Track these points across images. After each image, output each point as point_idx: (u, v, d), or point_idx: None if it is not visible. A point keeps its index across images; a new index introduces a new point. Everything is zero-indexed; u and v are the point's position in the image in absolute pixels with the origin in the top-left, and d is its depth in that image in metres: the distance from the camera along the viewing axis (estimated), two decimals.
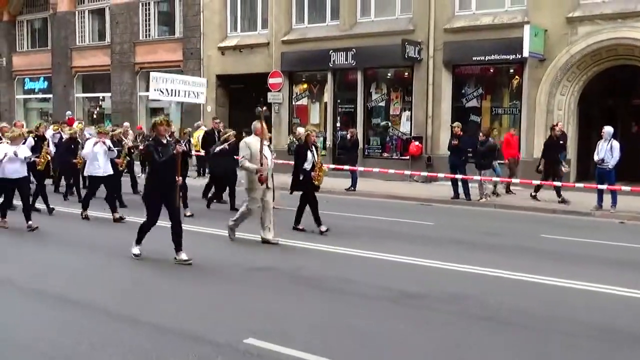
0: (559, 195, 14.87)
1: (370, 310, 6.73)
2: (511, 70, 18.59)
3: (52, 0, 28.59)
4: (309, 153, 10.83)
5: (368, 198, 16.17)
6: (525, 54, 16.59)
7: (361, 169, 17.74)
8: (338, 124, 21.52)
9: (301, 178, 10.72)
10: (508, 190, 16.52)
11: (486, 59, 18.29)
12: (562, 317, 6.48)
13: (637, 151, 16.43)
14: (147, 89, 26.56)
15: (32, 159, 11.67)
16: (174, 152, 8.35)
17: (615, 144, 13.95)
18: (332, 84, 21.48)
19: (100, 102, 28.70)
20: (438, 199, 15.78)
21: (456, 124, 16.14)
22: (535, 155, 17.45)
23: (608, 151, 13.92)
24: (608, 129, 14.16)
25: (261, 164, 9.52)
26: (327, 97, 21.68)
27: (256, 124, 9.82)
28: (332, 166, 17.94)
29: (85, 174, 12.37)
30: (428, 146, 19.44)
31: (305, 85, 22.46)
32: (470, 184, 15.42)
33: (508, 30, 17.62)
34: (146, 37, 26.25)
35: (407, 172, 18.87)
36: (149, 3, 26.05)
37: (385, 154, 20.67)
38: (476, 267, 8.56)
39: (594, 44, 16.48)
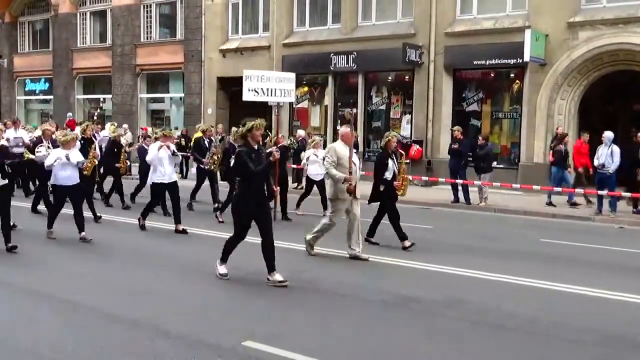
0: (635, 206, 14.36)
1: (368, 313, 6.72)
2: (512, 75, 18.59)
3: (54, 2, 28.61)
4: (390, 161, 9.94)
5: (366, 201, 16.20)
6: (526, 58, 16.59)
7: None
8: (338, 127, 21.49)
9: (381, 189, 9.89)
10: (588, 201, 15.31)
11: (487, 63, 18.29)
12: (561, 321, 6.48)
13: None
14: (148, 91, 26.93)
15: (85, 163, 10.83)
16: (270, 159, 7.58)
17: (616, 149, 13.96)
18: (332, 87, 21.50)
19: (100, 104, 28.73)
20: (438, 202, 15.77)
21: (456, 128, 16.15)
22: (535, 160, 17.46)
23: (608, 156, 13.93)
24: (608, 134, 14.17)
25: (350, 173, 8.81)
26: (328, 100, 21.69)
27: (344, 129, 9.27)
28: None
29: (149, 181, 11.32)
30: (428, 150, 19.44)
31: (306, 88, 22.46)
32: (470, 188, 15.43)
33: (509, 34, 17.63)
34: (147, 39, 26.28)
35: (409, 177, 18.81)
36: (150, 5, 26.09)
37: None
38: (475, 271, 8.56)
39: (595, 48, 16.49)
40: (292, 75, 13.00)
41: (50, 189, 11.29)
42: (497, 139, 18.56)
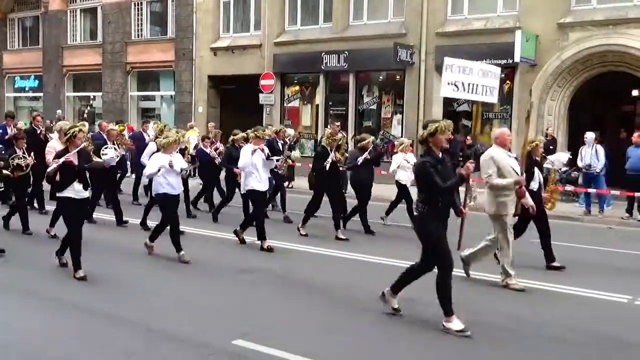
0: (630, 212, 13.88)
1: (358, 313, 6.74)
2: (502, 75, 18.59)
3: None
4: (535, 169, 8.82)
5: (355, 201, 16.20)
6: (517, 59, 16.66)
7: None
8: (328, 127, 21.49)
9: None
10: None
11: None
12: (551, 322, 6.52)
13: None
14: (138, 89, 26.85)
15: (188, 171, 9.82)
16: (462, 172, 6.21)
17: (600, 149, 14.09)
18: (324, 86, 21.49)
19: (91, 102, 28.61)
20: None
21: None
22: None
23: (593, 156, 14.09)
24: (590, 135, 14.40)
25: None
26: (319, 99, 21.69)
27: (499, 131, 8.08)
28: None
29: (243, 189, 10.03)
30: (419, 149, 19.42)
31: (297, 87, 22.45)
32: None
33: (500, 35, 17.69)
34: (138, 36, 26.16)
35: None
36: (141, 3, 25.98)
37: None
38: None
39: (585, 50, 16.56)
40: (498, 70, 10.10)
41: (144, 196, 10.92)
42: (487, 139, 18.61)
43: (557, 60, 16.96)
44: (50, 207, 10.94)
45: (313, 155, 13.72)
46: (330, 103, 21.61)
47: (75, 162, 7.62)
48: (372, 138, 11.86)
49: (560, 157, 12.09)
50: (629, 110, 18.57)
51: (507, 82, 18.36)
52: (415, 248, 6.50)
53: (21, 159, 9.59)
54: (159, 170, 8.68)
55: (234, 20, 23.60)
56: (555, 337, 6.08)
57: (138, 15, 26.09)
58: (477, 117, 19.01)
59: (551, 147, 16.48)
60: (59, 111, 26.15)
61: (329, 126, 15.50)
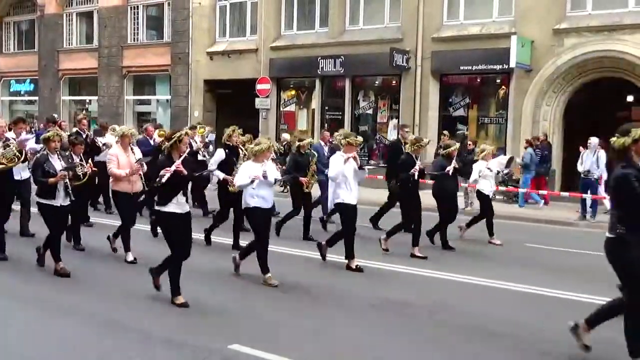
0: None
1: (353, 317, 6.74)
2: (498, 80, 18.71)
3: (40, 2, 28.41)
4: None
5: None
6: (512, 64, 16.71)
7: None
8: (325, 131, 21.51)
9: None
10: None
11: (473, 68, 18.40)
12: (547, 327, 6.52)
13: None
14: (134, 93, 26.81)
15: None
16: None
17: (602, 155, 14.09)
18: (320, 90, 21.52)
19: (86, 105, 28.57)
20: (425, 207, 15.76)
21: (445, 132, 16.26)
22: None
23: (594, 162, 14.07)
24: (594, 140, 14.30)
25: None
26: (315, 104, 21.72)
27: None
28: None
29: (332, 201, 9.34)
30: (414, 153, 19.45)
31: (293, 92, 22.47)
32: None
33: (495, 40, 17.74)
34: (134, 40, 26.15)
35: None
36: (137, 7, 25.98)
37: (372, 162, 20.70)
38: (460, 275, 8.60)
39: (580, 55, 16.63)
40: None
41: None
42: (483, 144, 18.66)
43: (552, 65, 17.02)
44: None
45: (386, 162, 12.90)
46: (326, 108, 21.63)
47: (184, 171, 6.82)
48: (457, 145, 11.00)
49: (500, 159, 12.33)
50: (624, 116, 18.60)
51: (503, 87, 18.44)
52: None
53: (78, 167, 8.61)
54: (252, 182, 7.70)
55: (230, 25, 23.63)
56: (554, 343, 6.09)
57: (134, 20, 26.09)
58: (473, 122, 19.05)
59: (546, 152, 16.58)
60: (54, 115, 26.10)
61: (400, 132, 14.07)
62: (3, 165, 8.40)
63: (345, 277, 8.47)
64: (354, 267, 8.69)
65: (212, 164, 10.29)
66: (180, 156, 6.86)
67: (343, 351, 5.73)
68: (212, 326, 6.26)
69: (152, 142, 13.10)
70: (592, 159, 14.11)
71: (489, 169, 11.20)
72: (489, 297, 7.70)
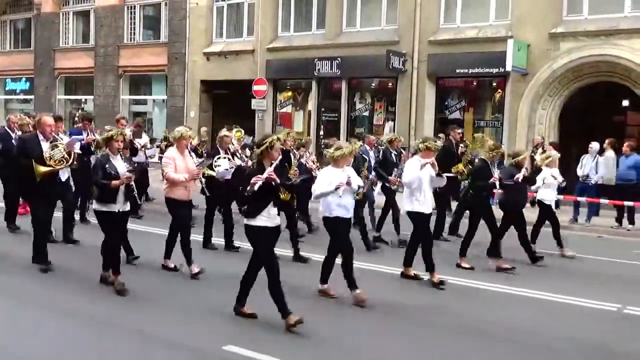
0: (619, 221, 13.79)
1: (348, 319, 6.74)
2: (494, 84, 18.75)
3: (36, 1, 28.34)
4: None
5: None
6: (508, 68, 16.75)
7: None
8: (322, 133, 21.55)
9: None
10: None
11: (469, 71, 18.43)
12: (544, 331, 6.54)
13: None
14: (130, 93, 26.74)
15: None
16: None
17: (601, 161, 14.10)
18: (316, 92, 21.52)
19: (82, 105, 28.50)
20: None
21: (441, 135, 16.25)
22: None
23: (593, 168, 14.10)
24: (595, 145, 14.33)
25: None
26: (311, 105, 21.72)
27: None
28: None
29: (405, 209, 8.63)
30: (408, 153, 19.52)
31: (289, 93, 22.48)
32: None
33: (492, 44, 17.77)
34: (131, 40, 26.11)
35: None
36: (134, 6, 25.94)
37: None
38: (456, 278, 8.61)
39: (576, 60, 16.66)
40: None
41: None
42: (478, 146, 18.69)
43: (548, 69, 17.06)
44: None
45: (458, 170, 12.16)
46: (323, 109, 21.65)
47: (277, 179, 6.27)
48: (528, 153, 10.23)
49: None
50: (619, 120, 18.69)
51: (499, 90, 18.48)
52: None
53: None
54: (336, 189, 7.09)
55: (227, 26, 23.62)
56: (544, 345, 6.10)
57: (131, 19, 26.05)
58: (469, 125, 19.08)
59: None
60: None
61: (450, 133, 13.07)
62: (51, 167, 7.95)
63: (333, 277, 8.46)
64: (436, 280, 8.20)
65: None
66: (272, 163, 6.29)
67: (339, 353, 5.73)
68: (208, 327, 6.26)
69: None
70: (592, 164, 14.15)
71: (553, 176, 10.65)
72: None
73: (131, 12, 26.02)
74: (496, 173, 9.28)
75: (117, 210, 7.40)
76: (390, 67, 18.83)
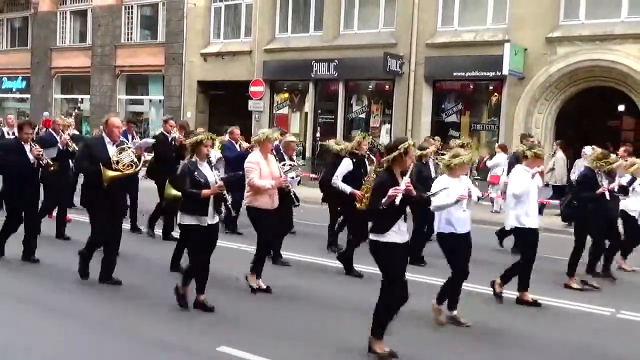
0: None
1: (340, 321, 6.74)
2: (491, 87, 18.80)
3: (34, 0, 28.33)
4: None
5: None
6: (505, 71, 16.78)
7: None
8: (318, 135, 21.57)
9: None
10: None
11: (466, 75, 18.48)
12: (536, 333, 6.54)
13: None
14: (127, 93, 26.73)
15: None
16: None
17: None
18: (313, 94, 21.53)
19: (78, 104, 28.48)
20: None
21: (436, 138, 16.25)
22: None
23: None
24: (588, 150, 14.34)
25: None
26: (308, 107, 21.73)
27: None
28: (313, 176, 18.00)
29: (511, 225, 7.73)
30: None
31: (286, 95, 22.49)
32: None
33: (489, 47, 17.81)
34: (128, 40, 26.10)
35: None
36: (132, 6, 25.92)
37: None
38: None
39: (572, 64, 16.72)
40: None
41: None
42: (475, 150, 18.72)
43: (544, 73, 17.11)
44: None
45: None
46: (319, 111, 21.66)
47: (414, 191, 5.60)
48: (621, 161, 9.46)
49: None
50: (615, 125, 18.75)
51: (495, 94, 18.52)
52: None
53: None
54: (456, 202, 6.38)
55: (225, 26, 23.63)
56: (535, 348, 6.11)
57: (128, 19, 26.04)
58: (465, 128, 19.12)
59: None
60: (45, 113, 26.01)
61: (522, 142, 12.24)
62: (119, 172, 7.33)
63: (327, 279, 8.46)
64: (530, 300, 7.57)
65: (338, 176, 9.01)
66: (403, 172, 5.64)
67: (333, 355, 5.73)
68: (201, 328, 6.25)
69: (238, 147, 11.52)
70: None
71: None
72: None
73: (128, 12, 26.02)
74: (605, 182, 8.58)
75: (207, 224, 6.69)
76: (388, 70, 18.85)
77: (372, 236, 5.62)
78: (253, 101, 22.01)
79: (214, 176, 6.74)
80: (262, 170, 7.53)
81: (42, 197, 9.36)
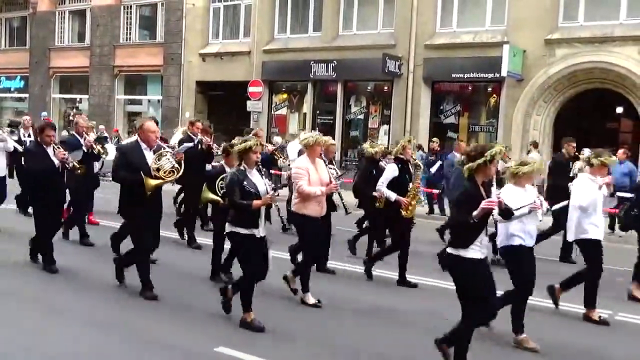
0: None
1: (340, 322, 6.73)
2: (489, 89, 18.81)
3: (32, 0, 28.33)
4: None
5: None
6: (504, 73, 16.79)
7: (339, 181, 17.65)
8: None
9: None
10: None
11: (465, 76, 18.49)
12: (533, 336, 6.53)
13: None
14: (125, 93, 26.71)
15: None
16: None
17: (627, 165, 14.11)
18: (312, 95, 21.54)
19: (77, 104, 28.46)
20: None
21: (434, 139, 16.32)
22: None
23: None
24: (587, 152, 14.33)
25: None
26: (307, 107, 21.74)
27: None
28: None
29: (576, 237, 7.30)
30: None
31: (285, 95, 22.49)
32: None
33: (487, 49, 17.83)
34: (127, 40, 26.09)
35: None
36: (131, 6, 25.92)
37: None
38: (445, 282, 8.59)
39: (571, 66, 16.74)
40: None
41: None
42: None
43: (543, 75, 17.12)
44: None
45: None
46: (318, 112, 21.67)
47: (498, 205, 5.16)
48: None
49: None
50: (613, 126, 18.77)
51: (494, 95, 18.54)
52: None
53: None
54: (530, 212, 5.94)
55: (223, 27, 23.63)
56: (537, 352, 6.10)
57: (127, 19, 26.03)
58: (464, 129, 19.13)
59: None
60: (44, 113, 26.00)
61: (564, 146, 12.09)
62: (161, 180, 6.86)
63: (330, 283, 8.45)
64: (596, 318, 7.08)
65: (383, 182, 8.49)
66: (486, 182, 5.25)
67: (333, 355, 5.72)
68: (199, 329, 6.24)
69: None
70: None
71: None
72: None
73: (127, 12, 26.01)
74: None
75: (259, 236, 6.23)
76: (386, 71, 18.86)
77: (450, 250, 5.18)
78: (252, 102, 22.01)
79: (264, 185, 6.29)
80: (311, 176, 7.17)
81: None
